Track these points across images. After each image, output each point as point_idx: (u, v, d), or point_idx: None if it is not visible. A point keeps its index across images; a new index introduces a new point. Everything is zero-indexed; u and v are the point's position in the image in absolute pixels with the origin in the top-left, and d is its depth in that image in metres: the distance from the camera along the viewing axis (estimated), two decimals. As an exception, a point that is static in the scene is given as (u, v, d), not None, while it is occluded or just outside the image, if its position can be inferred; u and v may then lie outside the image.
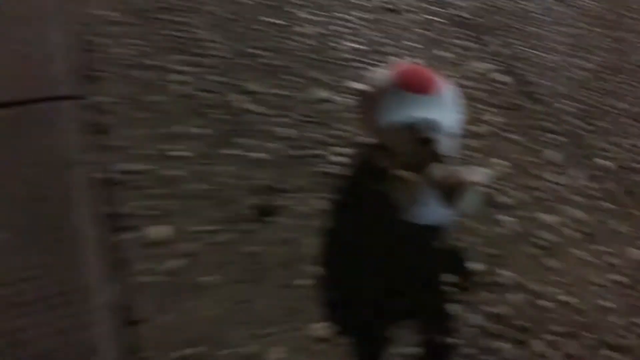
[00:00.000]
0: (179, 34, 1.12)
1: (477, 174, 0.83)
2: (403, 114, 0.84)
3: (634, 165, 1.07)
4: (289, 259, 0.76)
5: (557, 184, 0.98)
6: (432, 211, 0.80)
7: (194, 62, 1.06)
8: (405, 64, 0.90)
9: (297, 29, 1.22)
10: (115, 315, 0.65)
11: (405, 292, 0.75)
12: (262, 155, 0.90)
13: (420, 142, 0.81)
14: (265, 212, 0.82)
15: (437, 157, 0.79)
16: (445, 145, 0.82)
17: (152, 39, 1.09)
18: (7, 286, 0.65)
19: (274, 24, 1.22)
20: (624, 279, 0.83)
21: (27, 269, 0.67)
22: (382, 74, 0.88)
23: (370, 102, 0.87)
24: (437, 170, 0.76)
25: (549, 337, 0.73)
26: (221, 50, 1.10)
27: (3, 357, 0.60)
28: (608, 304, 0.79)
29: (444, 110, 0.86)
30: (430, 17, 1.38)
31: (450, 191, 0.72)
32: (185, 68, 1.04)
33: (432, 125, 0.83)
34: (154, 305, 0.67)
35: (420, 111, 0.84)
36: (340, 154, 0.93)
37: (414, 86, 0.85)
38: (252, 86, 1.03)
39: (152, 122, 0.91)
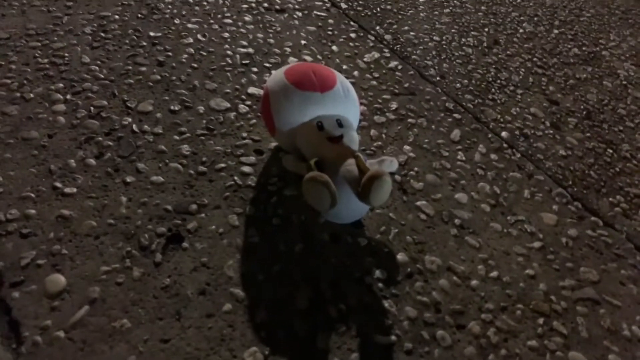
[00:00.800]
0: (54, 60, 1.03)
1: (387, 165, 0.82)
2: (305, 114, 0.81)
3: (529, 131, 1.11)
4: (209, 285, 0.70)
5: (464, 161, 0.99)
6: (350, 209, 0.77)
7: (75, 88, 0.97)
8: (299, 63, 0.87)
9: (187, 40, 1.16)
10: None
11: (335, 296, 0.72)
12: (162, 177, 0.84)
13: (327, 140, 0.78)
14: (175, 239, 0.75)
15: (346, 154, 0.77)
16: (352, 139, 0.80)
17: (24, 70, 0.99)
18: None
19: (161, 37, 1.15)
20: (543, 245, 0.86)
21: None
22: (278, 76, 0.84)
23: (270, 106, 0.83)
24: (349, 167, 0.74)
25: (484, 316, 0.73)
26: (105, 72, 1.02)
27: None
28: (533, 271, 0.81)
29: (345, 105, 0.85)
30: (319, 14, 1.37)
31: (365, 185, 0.70)
32: (67, 96, 0.95)
33: (336, 122, 0.80)
34: (61, 365, 0.59)
35: (322, 109, 0.82)
36: (250, 164, 0.89)
37: (312, 84, 0.82)
38: (144, 106, 0.96)
39: (35, 160, 0.82)
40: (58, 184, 0.79)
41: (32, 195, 0.77)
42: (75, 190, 0.79)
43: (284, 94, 0.81)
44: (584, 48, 1.49)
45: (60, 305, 0.64)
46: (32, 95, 0.93)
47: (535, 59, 1.39)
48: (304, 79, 0.82)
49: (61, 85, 0.97)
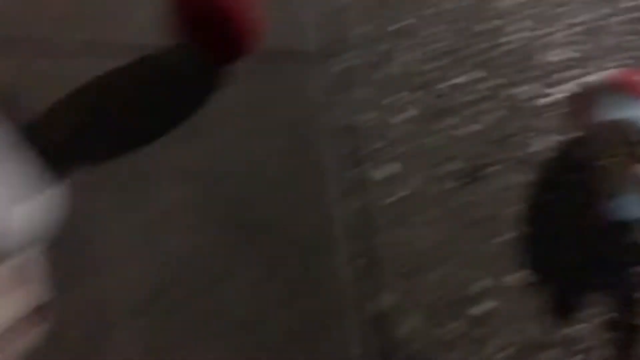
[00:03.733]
0: (407, 22, 1.29)
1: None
2: (617, 113, 0.91)
3: None
4: (492, 218, 0.87)
5: None
6: (631, 207, 0.85)
7: (416, 48, 1.21)
8: (629, 69, 0.97)
9: (503, 40, 1.32)
10: (351, 225, 0.82)
11: (599, 272, 0.82)
12: (467, 131, 1.03)
13: (628, 141, 0.87)
14: (470, 177, 0.94)
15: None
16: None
17: (385, 24, 1.27)
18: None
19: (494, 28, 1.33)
20: None
21: (282, 172, 0.88)
22: (604, 76, 0.96)
23: (586, 100, 0.95)
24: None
25: None
26: (441, 43, 1.24)
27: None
28: None
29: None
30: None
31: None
32: (410, 50, 1.20)
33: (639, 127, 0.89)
34: (384, 222, 0.83)
35: (634, 113, 0.91)
36: (544, 144, 1.02)
37: (631, 89, 0.92)
38: (467, 77, 1.16)
39: (380, 89, 1.08)
40: (397, 107, 1.04)
41: (381, 107, 1.03)
42: (406, 117, 1.03)
43: (604, 91, 0.93)
44: None
45: (388, 186, 0.88)
46: (385, 47, 1.21)
47: None
48: (627, 82, 0.92)
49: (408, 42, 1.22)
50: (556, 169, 0.97)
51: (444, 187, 0.91)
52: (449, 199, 0.89)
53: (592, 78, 0.96)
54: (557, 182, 0.95)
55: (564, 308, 0.76)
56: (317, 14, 1.22)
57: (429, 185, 0.91)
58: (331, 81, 1.07)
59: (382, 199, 0.87)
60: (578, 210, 0.90)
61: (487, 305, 0.76)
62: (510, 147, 1.01)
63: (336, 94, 1.05)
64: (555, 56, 1.27)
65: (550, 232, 0.86)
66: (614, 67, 1.25)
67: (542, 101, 1.13)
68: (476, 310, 0.76)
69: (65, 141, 0.90)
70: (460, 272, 0.79)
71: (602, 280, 0.81)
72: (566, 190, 0.93)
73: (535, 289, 0.78)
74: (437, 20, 1.29)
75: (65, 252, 0.74)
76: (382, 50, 1.18)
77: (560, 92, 1.16)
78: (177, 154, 0.91)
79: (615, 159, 0.86)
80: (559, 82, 1.19)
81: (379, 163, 0.93)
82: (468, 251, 0.82)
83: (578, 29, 1.37)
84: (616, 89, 0.92)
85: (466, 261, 0.80)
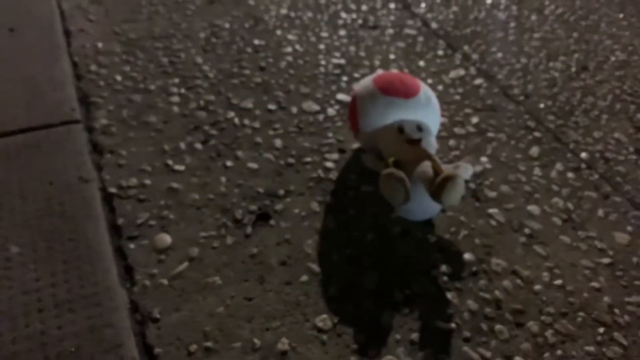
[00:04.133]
0: (172, 59, 1.18)
1: (462, 170, 0.87)
2: (388, 117, 0.89)
3: (610, 155, 1.12)
4: (289, 258, 0.79)
5: (540, 176, 1.02)
6: (422, 207, 0.84)
7: (188, 84, 1.11)
8: (386, 72, 0.95)
9: (286, 49, 1.28)
10: (132, 315, 0.69)
11: (402, 283, 0.78)
12: (257, 164, 0.94)
13: (406, 142, 0.85)
14: (263, 217, 0.85)
15: (423, 156, 0.83)
16: (430, 144, 0.86)
17: (148, 66, 1.15)
18: (27, 294, 0.69)
19: (264, 45, 1.28)
20: (613, 262, 0.87)
21: (43, 277, 0.70)
22: (366, 82, 0.93)
23: (357, 109, 0.92)
24: (424, 168, 0.81)
25: (544, 318, 0.76)
26: (214, 73, 1.15)
27: (32, 358, 0.62)
28: (599, 285, 0.83)
29: (426, 112, 0.91)
30: (409, 32, 1.45)
31: (438, 185, 0.76)
32: (181, 90, 1.09)
33: (416, 127, 0.87)
34: (165, 305, 0.70)
35: (404, 114, 0.89)
36: (333, 160, 0.98)
37: (396, 91, 0.90)
38: (245, 103, 1.08)
39: (152, 140, 0.96)
40: (169, 162, 0.92)
41: (149, 168, 0.90)
42: (183, 168, 0.91)
43: (370, 97, 0.90)
44: (680, 79, 1.46)
45: (166, 259, 0.76)
46: (152, 87, 1.08)
47: (625, 87, 1.38)
48: (389, 85, 0.90)
49: (176, 80, 1.11)
50: (346, 186, 0.93)
51: (235, 239, 0.81)
52: (243, 249, 0.80)
53: (359, 84, 0.93)
54: (348, 200, 0.91)
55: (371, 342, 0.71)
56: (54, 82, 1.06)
57: (215, 242, 0.81)
58: (88, 147, 0.93)
59: (159, 276, 0.75)
60: (376, 223, 0.87)
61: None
62: (304, 171, 0.95)
63: (95, 161, 0.91)
64: (329, 65, 1.25)
65: (349, 258, 0.81)
66: (379, 71, 1.26)
67: (326, 114, 1.09)
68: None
69: None
70: (265, 333, 0.70)
71: (406, 294, 0.77)
72: (362, 205, 0.90)
73: (343, 330, 0.71)
74: (206, 48, 1.21)
75: None
76: (140, 98, 1.06)
77: (340, 103, 1.13)
78: None
79: (398, 162, 0.83)
80: (339, 91, 1.17)
81: (150, 233, 0.80)
82: (259, 304, 0.73)
83: (342, 32, 1.38)
84: (382, 93, 0.90)
85: (270, 317, 0.71)
